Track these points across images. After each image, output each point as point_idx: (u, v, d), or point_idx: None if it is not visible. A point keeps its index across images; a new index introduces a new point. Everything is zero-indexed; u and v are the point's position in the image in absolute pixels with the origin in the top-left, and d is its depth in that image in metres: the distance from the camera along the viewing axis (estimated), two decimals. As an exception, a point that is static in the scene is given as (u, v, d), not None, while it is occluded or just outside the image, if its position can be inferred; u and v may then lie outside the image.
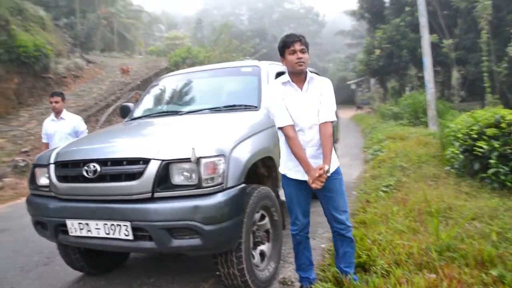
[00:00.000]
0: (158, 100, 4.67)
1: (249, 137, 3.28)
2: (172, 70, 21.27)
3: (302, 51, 2.80)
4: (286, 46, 2.82)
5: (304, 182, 2.83)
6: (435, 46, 16.85)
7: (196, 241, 2.71)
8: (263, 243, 3.37)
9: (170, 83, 4.84)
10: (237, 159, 2.93)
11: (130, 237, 2.80)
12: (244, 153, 3.04)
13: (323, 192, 2.90)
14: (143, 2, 45.76)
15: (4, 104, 13.89)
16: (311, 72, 5.96)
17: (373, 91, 30.78)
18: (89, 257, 3.69)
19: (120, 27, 34.97)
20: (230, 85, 4.45)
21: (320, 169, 2.69)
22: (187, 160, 2.70)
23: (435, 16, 19.30)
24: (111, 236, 2.86)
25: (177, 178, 2.77)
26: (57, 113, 5.52)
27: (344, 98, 44.36)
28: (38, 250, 4.74)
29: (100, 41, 32.52)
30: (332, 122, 2.84)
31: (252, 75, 4.30)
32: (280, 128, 2.87)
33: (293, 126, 2.83)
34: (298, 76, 2.88)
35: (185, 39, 36.09)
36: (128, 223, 2.78)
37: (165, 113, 4.25)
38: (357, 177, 7.62)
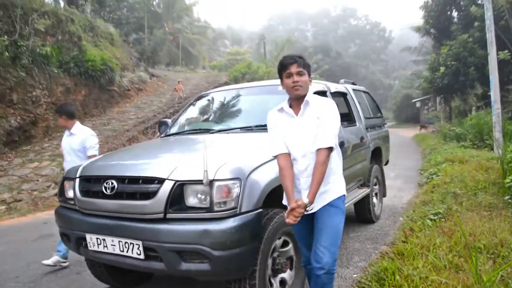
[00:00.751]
0: (193, 117, 4.69)
1: (273, 159, 3.14)
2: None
3: (299, 74, 2.56)
4: (282, 68, 2.60)
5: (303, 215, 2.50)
6: (507, 64, 15.79)
7: (205, 266, 2.62)
8: (283, 271, 3.20)
9: (207, 100, 4.85)
10: (255, 183, 2.81)
11: (142, 256, 2.77)
12: (264, 177, 2.91)
13: (315, 224, 2.62)
14: (210, 18, 47.25)
15: (71, 114, 14.76)
16: (345, 83, 5.83)
17: (438, 109, 29.41)
18: (112, 271, 3.72)
19: (185, 42, 36.32)
20: (265, 104, 4.34)
21: (296, 202, 2.40)
22: (200, 182, 2.63)
23: (508, 31, 18.10)
24: (125, 253, 2.86)
25: (191, 200, 2.71)
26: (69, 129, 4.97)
27: (409, 116, 42.98)
28: (77, 257, 4.86)
29: (166, 56, 33.98)
30: (329, 149, 2.49)
31: (288, 94, 4.18)
32: (274, 157, 2.69)
33: (286, 155, 2.62)
34: (296, 101, 2.64)
35: (246, 55, 36.75)
36: (140, 242, 2.75)
37: (197, 131, 4.23)
38: (407, 201, 7.20)
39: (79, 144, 4.77)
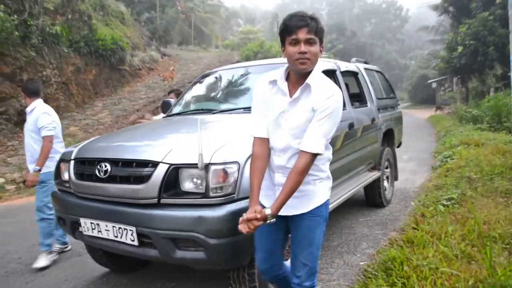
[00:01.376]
0: (196, 97, 4.52)
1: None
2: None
3: (308, 42, 1.94)
4: (287, 31, 1.97)
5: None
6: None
7: (200, 255, 2.48)
8: (285, 259, 3.06)
9: (211, 79, 4.66)
10: (255, 166, 2.65)
11: (136, 242, 2.65)
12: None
13: (291, 229, 2.21)
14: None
15: (81, 94, 14.75)
16: (357, 62, 5.56)
17: (455, 90, 28.74)
18: (111, 255, 3.62)
19: (198, 21, 35.92)
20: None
21: (256, 211, 1.90)
22: (196, 166, 2.47)
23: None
24: (118, 239, 2.74)
25: (187, 185, 2.56)
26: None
27: (424, 97, 42.25)
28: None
29: (178, 35, 33.67)
30: (315, 154, 1.97)
31: (294, 72, 3.98)
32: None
33: (264, 141, 2.11)
34: (297, 76, 2.05)
35: (259, 34, 36.21)
36: (133, 228, 2.63)
37: (199, 111, 4.06)
38: (420, 185, 6.99)
39: (32, 123, 4.22)
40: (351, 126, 4.33)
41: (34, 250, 4.70)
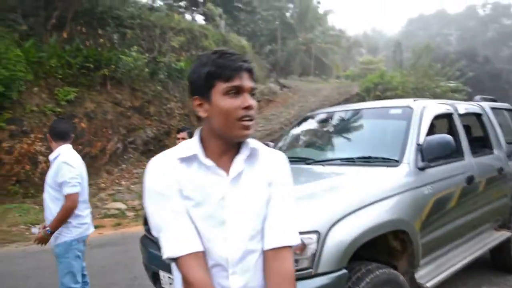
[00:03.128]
0: (293, 143, 4.30)
1: (369, 204, 2.59)
2: (363, 96, 20.82)
3: (251, 94, 1.30)
4: (222, 75, 1.26)
5: None
6: None
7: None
8: None
9: (310, 123, 4.42)
10: (340, 236, 2.31)
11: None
12: (352, 229, 2.38)
13: None
14: (346, 26, 46.51)
15: (201, 125, 15.56)
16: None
17: None
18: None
19: (318, 52, 36.12)
20: (373, 131, 3.76)
21: None
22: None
23: None
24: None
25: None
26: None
27: None
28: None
29: (299, 66, 34.22)
30: (292, 247, 1.34)
31: (400, 119, 3.54)
32: (173, 260, 1.29)
33: (200, 257, 1.27)
34: (225, 145, 1.34)
35: (380, 63, 35.11)
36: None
37: (295, 160, 3.78)
38: None
39: (52, 175, 3.25)
40: (470, 180, 3.69)
41: (135, 284, 4.82)
